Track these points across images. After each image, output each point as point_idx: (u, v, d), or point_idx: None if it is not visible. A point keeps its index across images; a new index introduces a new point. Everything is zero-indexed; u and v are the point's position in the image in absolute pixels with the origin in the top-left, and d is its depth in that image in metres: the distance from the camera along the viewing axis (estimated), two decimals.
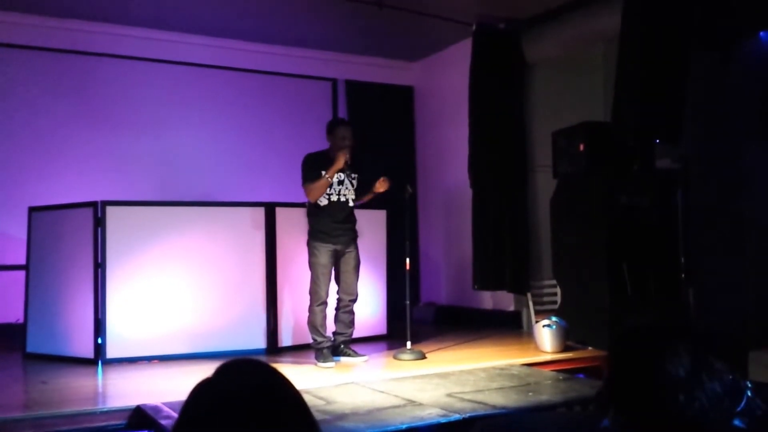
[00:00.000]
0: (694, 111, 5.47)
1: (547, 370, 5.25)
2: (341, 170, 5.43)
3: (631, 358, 1.49)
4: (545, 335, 5.77)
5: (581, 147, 6.22)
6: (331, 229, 5.46)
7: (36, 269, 6.16)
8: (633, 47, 5.49)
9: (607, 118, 6.67)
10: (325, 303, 5.49)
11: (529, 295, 7.26)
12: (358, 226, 5.72)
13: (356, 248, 5.64)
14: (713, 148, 5.57)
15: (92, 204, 5.84)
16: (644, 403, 1.41)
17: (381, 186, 5.56)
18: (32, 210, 6.26)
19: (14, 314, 6.51)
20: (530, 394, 4.37)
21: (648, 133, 5.51)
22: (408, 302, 5.81)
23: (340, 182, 5.49)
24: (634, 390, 1.44)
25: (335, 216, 5.48)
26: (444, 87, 8.59)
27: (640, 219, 6.04)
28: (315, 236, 5.49)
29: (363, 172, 5.66)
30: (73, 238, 5.97)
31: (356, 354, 5.67)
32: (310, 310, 5.50)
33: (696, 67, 5.36)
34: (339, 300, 5.65)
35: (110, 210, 5.83)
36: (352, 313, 5.69)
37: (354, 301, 5.66)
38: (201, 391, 1.27)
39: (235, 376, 1.29)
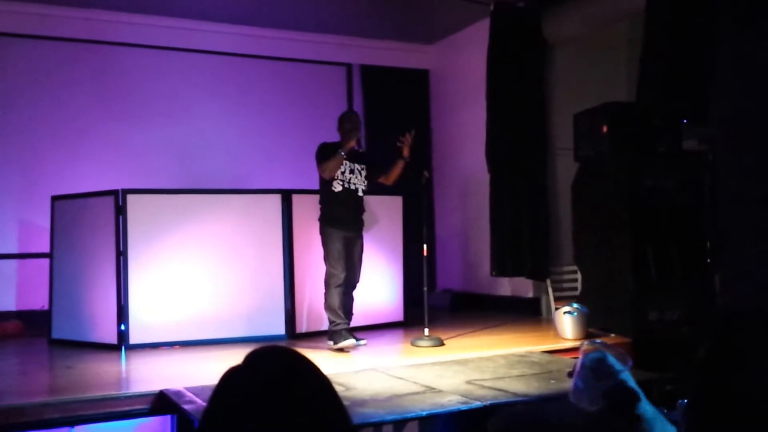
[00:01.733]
0: (723, 90, 5.36)
1: (568, 358, 5.17)
2: (353, 160, 5.59)
3: (733, 356, 1.43)
4: (566, 322, 5.71)
5: (604, 129, 6.10)
6: (344, 216, 5.60)
7: (59, 257, 6.23)
8: (659, 24, 5.38)
9: (629, 98, 6.55)
10: (342, 285, 5.53)
11: (548, 281, 7.20)
12: (374, 212, 5.78)
13: (362, 236, 5.77)
14: (742, 129, 5.46)
15: (113, 192, 5.89)
16: (733, 410, 1.35)
17: (404, 151, 5.64)
18: (54, 199, 6.31)
19: (39, 301, 6.59)
20: (552, 381, 4.31)
21: (674, 112, 5.42)
22: (426, 288, 5.79)
23: (351, 171, 5.61)
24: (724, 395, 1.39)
25: (347, 203, 5.61)
26: (460, 70, 8.51)
27: (665, 202, 5.90)
28: (329, 222, 5.60)
29: (374, 160, 5.78)
30: (95, 226, 6.02)
31: (357, 338, 5.64)
32: (328, 293, 5.54)
33: (725, 44, 5.24)
34: (345, 285, 5.66)
35: (131, 198, 5.86)
36: (353, 299, 5.77)
37: (355, 287, 5.75)
38: (231, 378, 1.29)
39: (264, 362, 1.30)
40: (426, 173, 5.99)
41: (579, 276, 6.69)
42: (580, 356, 2.08)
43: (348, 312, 5.70)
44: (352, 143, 5.49)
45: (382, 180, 5.82)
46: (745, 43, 5.36)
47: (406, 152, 5.67)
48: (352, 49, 8.63)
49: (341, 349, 5.42)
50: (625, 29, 7.53)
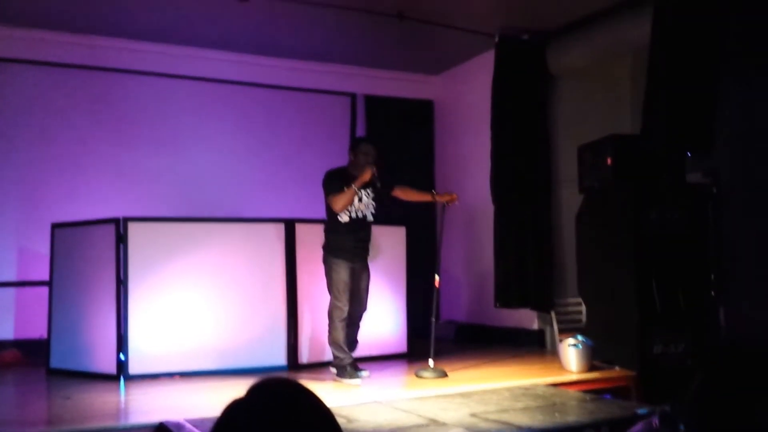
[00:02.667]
0: (726, 122, 5.37)
1: (573, 390, 5.15)
2: (361, 187, 5.46)
3: (725, 389, 1.45)
4: (571, 354, 5.66)
5: (609, 160, 6.11)
6: (350, 247, 5.49)
7: (59, 285, 6.18)
8: (663, 57, 5.40)
9: (634, 130, 6.57)
10: (346, 318, 5.46)
11: (553, 313, 7.14)
12: (378, 243, 5.72)
13: (368, 266, 5.69)
14: (746, 162, 5.45)
15: (114, 220, 5.85)
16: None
17: (444, 198, 5.67)
18: (55, 226, 6.28)
19: (38, 330, 6.51)
20: (557, 414, 4.27)
21: (679, 144, 5.41)
22: (434, 319, 5.73)
23: (359, 199, 5.51)
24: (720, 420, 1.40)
25: (355, 233, 5.50)
26: (465, 100, 8.53)
27: (669, 234, 5.89)
28: (334, 253, 5.49)
29: (381, 186, 5.66)
30: (95, 254, 5.98)
31: (360, 369, 5.61)
32: (332, 326, 5.46)
33: (728, 77, 5.26)
34: (351, 316, 5.60)
35: (132, 226, 5.82)
36: (359, 328, 5.72)
37: (362, 316, 5.69)
38: (234, 410, 1.27)
39: (267, 395, 1.28)
40: (450, 202, 5.78)
41: (583, 308, 6.63)
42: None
43: (353, 341, 5.65)
44: (368, 176, 5.35)
45: (397, 193, 5.72)
46: (749, 76, 5.38)
47: (440, 198, 5.70)
48: (356, 78, 8.65)
49: None
50: (629, 62, 7.56)
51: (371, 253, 5.78)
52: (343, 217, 5.47)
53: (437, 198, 5.78)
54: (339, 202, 5.37)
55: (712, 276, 5.95)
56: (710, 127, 5.21)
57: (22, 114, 7.17)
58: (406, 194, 5.75)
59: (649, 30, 5.69)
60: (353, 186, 5.35)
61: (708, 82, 5.20)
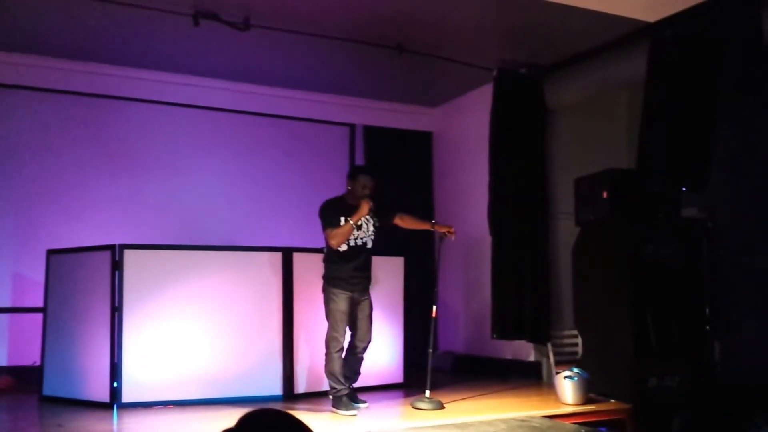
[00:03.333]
0: (722, 158, 5.41)
1: (568, 423, 5.12)
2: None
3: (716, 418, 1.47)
4: (567, 387, 5.64)
5: (605, 194, 6.14)
6: (349, 276, 5.44)
7: (53, 312, 6.15)
8: (659, 93, 5.46)
9: (630, 165, 6.62)
10: (342, 349, 5.44)
11: (549, 345, 7.14)
12: (376, 273, 5.69)
13: (369, 295, 5.64)
14: (741, 198, 5.49)
15: (110, 247, 5.83)
16: None
17: (443, 229, 5.66)
18: (50, 253, 6.26)
19: (31, 356, 6.49)
20: None
21: (674, 180, 5.44)
22: (431, 350, 5.70)
23: (359, 227, 5.47)
24: None
25: (354, 261, 5.46)
26: (463, 133, 8.59)
27: (665, 269, 5.91)
28: (333, 283, 5.45)
29: (381, 217, 5.66)
30: (90, 281, 5.95)
31: (359, 400, 5.62)
32: (328, 357, 5.43)
33: (724, 113, 5.30)
34: (352, 346, 5.58)
35: (128, 253, 5.81)
36: (362, 359, 5.67)
37: (366, 348, 5.63)
38: None
39: (257, 426, 1.27)
40: (448, 234, 5.70)
41: (580, 340, 6.62)
42: None
43: (354, 372, 5.62)
44: (365, 210, 5.30)
45: (398, 221, 5.71)
46: (745, 112, 5.42)
47: (439, 228, 5.71)
48: (355, 109, 8.71)
49: None
50: (626, 96, 7.64)
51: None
52: (343, 246, 5.43)
53: (436, 227, 5.77)
54: (336, 237, 5.34)
55: (707, 310, 5.96)
56: (706, 164, 5.25)
57: (18, 140, 7.18)
58: (405, 222, 5.74)
59: (644, 66, 5.75)
60: (350, 222, 5.32)
61: (704, 118, 5.25)
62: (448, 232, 5.66)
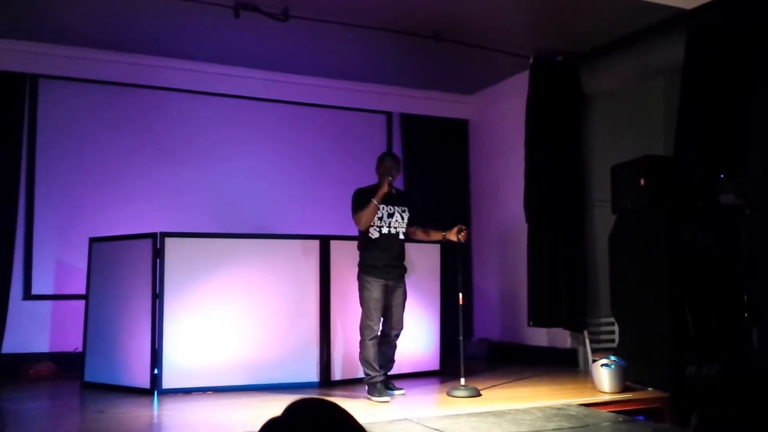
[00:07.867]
0: (759, 144, 5.32)
1: (605, 411, 5.09)
2: (391, 203, 5.50)
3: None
4: (604, 375, 5.61)
5: (642, 181, 6.09)
6: (383, 264, 5.49)
7: (95, 299, 6.26)
8: (696, 80, 5.39)
9: (667, 152, 6.54)
10: (377, 337, 5.48)
11: (585, 332, 7.09)
12: (412, 260, 5.71)
13: (404, 283, 5.66)
14: None
15: (152, 235, 5.93)
16: None
17: (454, 235, 5.59)
18: (93, 241, 6.39)
19: (73, 343, 6.63)
20: None
21: (711, 167, 5.38)
22: (461, 338, 5.72)
23: (390, 215, 5.53)
24: None
25: (387, 250, 5.50)
26: (499, 120, 8.55)
27: (703, 255, 5.85)
28: (367, 271, 5.50)
29: (414, 205, 5.70)
30: (132, 268, 6.06)
31: (395, 387, 5.67)
32: (362, 344, 5.48)
33: (762, 99, 5.22)
34: (385, 334, 5.62)
35: (169, 241, 5.90)
36: (395, 347, 5.72)
37: (398, 335, 5.67)
38: (271, 428, 1.29)
39: (304, 415, 1.29)
40: (460, 238, 5.65)
41: (616, 328, 6.58)
42: None
43: (389, 360, 5.66)
44: (385, 189, 5.41)
45: (419, 234, 5.72)
46: None
47: (450, 236, 5.62)
48: (392, 97, 8.72)
49: None
50: (663, 83, 7.55)
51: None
52: (374, 234, 5.49)
53: (448, 237, 5.67)
54: (362, 219, 5.43)
55: (745, 297, 5.88)
56: (744, 150, 5.18)
57: (61, 130, 7.29)
58: (417, 235, 5.73)
59: (682, 53, 5.67)
60: (373, 201, 5.38)
61: (740, 105, 5.18)
62: (460, 236, 5.60)
